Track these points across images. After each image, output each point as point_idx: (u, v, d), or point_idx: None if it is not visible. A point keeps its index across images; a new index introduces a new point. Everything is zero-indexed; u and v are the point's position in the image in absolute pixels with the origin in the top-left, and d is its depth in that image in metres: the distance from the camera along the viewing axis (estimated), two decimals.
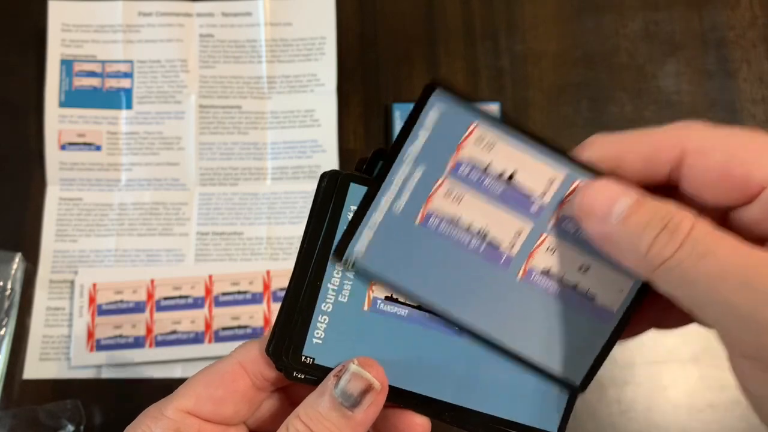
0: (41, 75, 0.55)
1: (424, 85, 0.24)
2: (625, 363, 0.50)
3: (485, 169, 0.24)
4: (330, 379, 0.24)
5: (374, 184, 0.24)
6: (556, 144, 0.24)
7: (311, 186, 0.53)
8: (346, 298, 0.25)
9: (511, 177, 0.24)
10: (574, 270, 0.25)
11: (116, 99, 0.55)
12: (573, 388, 0.26)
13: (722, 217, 0.23)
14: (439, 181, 0.24)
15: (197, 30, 0.56)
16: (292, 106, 0.55)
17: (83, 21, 0.55)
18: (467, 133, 0.24)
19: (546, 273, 0.25)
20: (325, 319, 0.25)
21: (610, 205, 0.22)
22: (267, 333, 0.26)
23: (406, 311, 0.25)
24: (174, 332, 0.51)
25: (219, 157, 0.54)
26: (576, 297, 0.25)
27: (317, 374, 0.25)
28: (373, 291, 0.25)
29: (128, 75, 0.55)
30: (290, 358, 0.25)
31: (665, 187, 0.23)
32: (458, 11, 0.58)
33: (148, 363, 0.50)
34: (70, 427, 0.48)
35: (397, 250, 0.25)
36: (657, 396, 0.49)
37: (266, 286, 0.51)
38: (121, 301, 0.51)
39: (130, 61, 0.55)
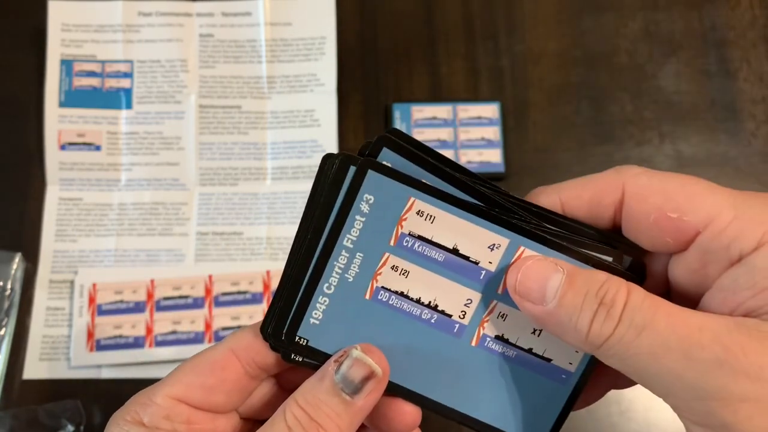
0: (41, 75, 0.55)
1: (358, 164, 0.23)
2: None
3: (429, 241, 0.24)
4: (330, 364, 0.24)
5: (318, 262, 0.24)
6: (496, 213, 0.24)
7: (311, 186, 0.53)
8: (349, 283, 0.25)
9: (455, 247, 0.24)
10: (528, 333, 0.25)
11: (116, 99, 0.55)
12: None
13: (664, 263, 0.23)
14: (385, 257, 0.24)
15: (197, 30, 0.56)
16: (292, 106, 0.55)
17: (83, 21, 0.55)
18: (407, 207, 0.24)
19: (500, 338, 0.25)
20: (324, 301, 0.25)
21: (543, 285, 0.22)
22: (256, 321, 0.26)
23: (407, 305, 0.25)
24: (174, 332, 0.51)
25: (219, 157, 0.54)
26: (533, 360, 0.25)
27: (312, 356, 0.25)
28: (377, 281, 0.25)
29: (128, 75, 0.55)
30: (285, 337, 0.25)
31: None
32: (458, 11, 0.58)
33: (148, 363, 0.50)
34: (70, 427, 0.48)
35: (349, 326, 0.25)
36: (657, 396, 0.49)
37: (266, 286, 0.51)
38: (121, 301, 0.51)
39: (130, 61, 0.55)
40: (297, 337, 0.25)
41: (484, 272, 0.24)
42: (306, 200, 0.25)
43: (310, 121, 0.55)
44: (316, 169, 0.25)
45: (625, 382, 0.26)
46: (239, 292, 0.51)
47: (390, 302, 0.25)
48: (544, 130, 0.55)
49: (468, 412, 0.26)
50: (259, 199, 0.54)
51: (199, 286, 0.52)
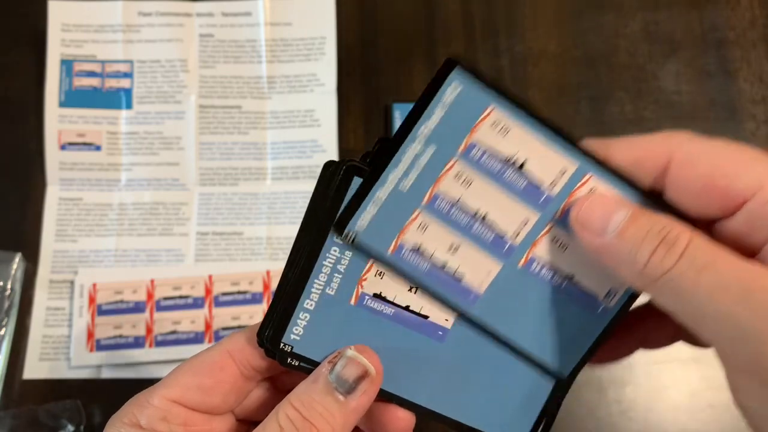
0: (41, 75, 0.55)
1: (445, 60, 0.23)
2: (625, 363, 0.50)
3: (497, 155, 0.24)
4: (324, 365, 0.24)
5: (381, 160, 0.24)
6: (571, 134, 0.24)
7: (311, 186, 0.53)
8: (334, 290, 0.25)
9: (522, 165, 0.24)
10: (575, 264, 0.25)
11: (116, 99, 0.55)
12: (558, 386, 0.26)
13: (706, 229, 0.23)
14: (450, 163, 0.24)
15: (197, 30, 0.56)
16: (292, 106, 0.55)
17: (83, 21, 0.55)
18: (483, 116, 0.23)
19: (547, 264, 0.25)
20: (310, 307, 0.25)
21: (607, 218, 0.22)
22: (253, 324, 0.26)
23: (393, 311, 0.25)
24: (174, 332, 0.51)
25: (219, 157, 0.54)
26: (574, 290, 0.25)
27: (306, 362, 0.25)
28: (362, 287, 0.25)
29: (128, 75, 0.55)
30: (269, 343, 0.25)
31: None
32: (458, 11, 0.58)
33: (148, 363, 0.50)
34: (70, 427, 0.48)
35: (399, 228, 0.24)
36: (657, 396, 0.49)
37: (266, 286, 0.51)
38: (121, 301, 0.51)
39: (130, 61, 0.55)
40: (282, 344, 0.25)
41: (545, 195, 0.24)
42: (306, 200, 0.25)
43: (310, 121, 0.55)
44: (317, 168, 0.25)
45: (655, 340, 0.26)
46: (239, 292, 0.51)
47: (445, 211, 0.24)
48: None
49: (446, 414, 0.26)
50: (259, 199, 0.54)
51: (199, 286, 0.52)
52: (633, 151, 0.24)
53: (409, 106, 0.23)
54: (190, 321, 0.51)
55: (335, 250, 0.24)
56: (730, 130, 0.55)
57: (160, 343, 0.50)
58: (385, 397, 0.25)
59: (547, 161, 0.24)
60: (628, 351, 0.27)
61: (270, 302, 0.25)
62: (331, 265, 0.25)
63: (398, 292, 0.25)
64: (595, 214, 0.23)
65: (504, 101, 0.23)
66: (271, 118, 0.55)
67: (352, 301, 0.25)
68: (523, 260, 0.25)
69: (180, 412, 0.25)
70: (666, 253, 0.21)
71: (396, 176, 0.24)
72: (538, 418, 0.26)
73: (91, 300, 0.51)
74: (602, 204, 0.23)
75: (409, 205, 0.24)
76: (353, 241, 0.24)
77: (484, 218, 0.24)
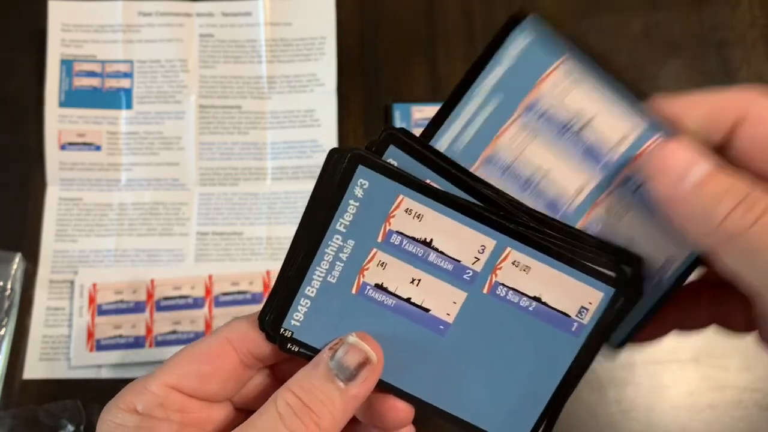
0: (41, 75, 0.55)
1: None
2: (625, 363, 0.50)
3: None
4: (325, 351, 0.24)
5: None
6: (640, 93, 0.23)
7: (311, 186, 0.53)
8: (336, 278, 0.25)
9: (585, 126, 0.23)
10: (635, 234, 0.24)
11: (116, 99, 0.55)
12: (562, 385, 0.26)
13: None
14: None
15: (197, 30, 0.56)
16: (292, 106, 0.55)
17: (83, 21, 0.55)
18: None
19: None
20: (311, 294, 0.25)
21: (687, 168, 0.21)
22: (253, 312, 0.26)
23: (394, 302, 0.25)
24: (174, 332, 0.51)
25: (219, 157, 0.54)
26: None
27: (305, 347, 0.25)
28: (364, 276, 0.25)
29: (128, 75, 0.55)
30: (269, 328, 0.25)
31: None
32: (458, 11, 0.58)
33: (148, 363, 0.50)
34: (70, 427, 0.48)
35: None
36: (657, 396, 0.49)
37: (266, 286, 0.51)
38: (121, 301, 0.51)
39: (130, 61, 0.55)
40: (282, 329, 0.25)
41: (606, 158, 0.23)
42: (306, 199, 0.25)
43: (310, 121, 0.55)
44: (317, 169, 0.25)
45: (693, 322, 0.26)
46: (239, 292, 0.51)
47: (505, 165, 0.24)
48: None
49: (445, 408, 0.26)
50: (259, 199, 0.54)
51: (199, 286, 0.52)
52: (707, 106, 0.23)
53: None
54: (190, 321, 0.51)
55: (338, 238, 0.24)
56: None
57: (160, 343, 0.50)
58: (384, 387, 0.25)
59: (611, 123, 0.23)
60: (665, 331, 0.26)
61: (272, 287, 0.25)
62: (333, 253, 0.24)
63: (400, 283, 0.25)
64: (676, 161, 0.21)
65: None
66: (271, 118, 0.55)
67: (354, 290, 0.25)
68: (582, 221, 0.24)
69: (177, 398, 0.25)
70: (745, 212, 0.20)
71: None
72: (540, 417, 0.26)
73: (91, 300, 0.51)
74: (685, 152, 0.22)
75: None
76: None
77: (542, 176, 0.24)
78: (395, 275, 0.25)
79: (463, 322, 0.25)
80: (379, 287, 0.25)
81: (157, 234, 0.53)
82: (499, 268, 0.24)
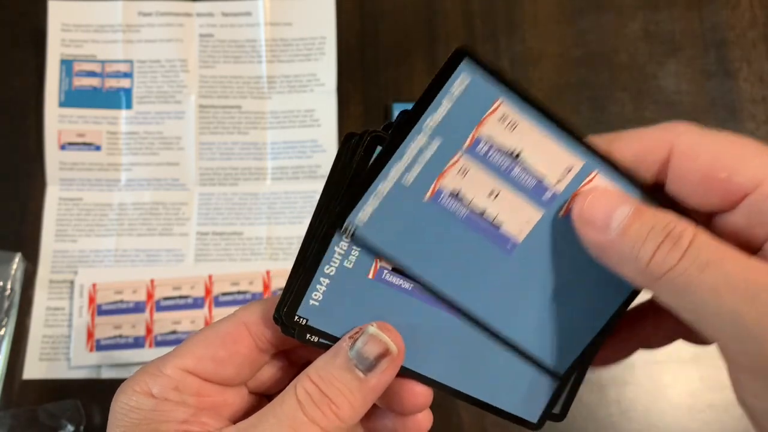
0: (41, 75, 0.55)
1: (454, 50, 0.22)
2: (625, 363, 0.50)
3: (503, 150, 0.23)
4: (345, 340, 0.24)
5: (385, 152, 0.23)
6: (578, 131, 0.23)
7: (311, 186, 0.53)
8: (352, 263, 0.24)
9: (527, 161, 0.23)
10: (579, 264, 0.24)
11: (116, 99, 0.55)
12: (558, 377, 0.26)
13: (706, 222, 0.23)
14: (455, 157, 0.23)
15: (197, 30, 0.56)
16: (292, 106, 0.55)
17: (83, 21, 0.55)
18: (491, 110, 0.22)
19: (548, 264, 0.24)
20: (326, 282, 0.24)
21: (609, 215, 0.22)
22: (269, 296, 0.25)
23: (411, 285, 0.24)
24: (174, 332, 0.51)
25: (219, 157, 0.54)
26: (574, 290, 0.25)
27: (323, 337, 0.24)
28: (380, 260, 0.24)
29: (128, 75, 0.55)
30: (285, 318, 0.24)
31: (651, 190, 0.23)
32: (458, 11, 0.57)
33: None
34: (70, 427, 0.48)
35: (400, 224, 0.24)
36: (657, 396, 0.49)
37: (266, 286, 0.51)
38: (121, 301, 0.51)
39: (130, 61, 0.55)
40: (297, 317, 0.24)
41: (550, 192, 0.23)
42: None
43: (310, 121, 0.55)
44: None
45: (658, 340, 0.26)
46: (239, 292, 0.51)
47: (448, 207, 0.23)
48: None
49: (461, 389, 0.26)
50: (259, 199, 0.54)
51: (199, 286, 0.51)
52: (635, 144, 0.23)
53: (409, 106, 0.23)
54: (190, 321, 0.51)
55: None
56: (730, 130, 0.55)
57: (160, 343, 0.50)
58: (402, 372, 0.25)
59: (553, 158, 0.23)
60: (629, 351, 0.27)
61: (288, 277, 0.24)
62: (347, 241, 0.24)
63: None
64: (598, 211, 0.22)
65: (512, 94, 0.23)
66: (271, 118, 0.55)
67: (371, 275, 0.24)
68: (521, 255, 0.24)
69: (193, 382, 0.25)
70: (670, 249, 0.20)
71: (399, 169, 0.23)
72: (553, 396, 0.26)
73: (91, 300, 0.51)
74: (605, 200, 0.22)
75: (411, 200, 0.23)
76: (353, 235, 0.23)
77: (487, 215, 0.24)
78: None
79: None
80: (396, 271, 0.24)
81: (157, 234, 0.53)
82: None
